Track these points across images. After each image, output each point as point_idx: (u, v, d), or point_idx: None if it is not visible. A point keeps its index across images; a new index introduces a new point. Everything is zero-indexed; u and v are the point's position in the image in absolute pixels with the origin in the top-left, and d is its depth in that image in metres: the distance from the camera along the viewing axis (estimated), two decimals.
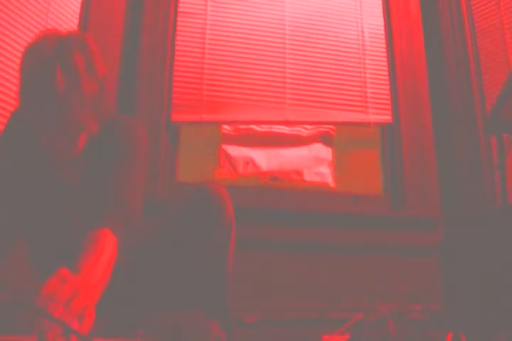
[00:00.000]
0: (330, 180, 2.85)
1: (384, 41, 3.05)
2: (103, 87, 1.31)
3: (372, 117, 2.90)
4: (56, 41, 1.26)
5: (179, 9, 2.88)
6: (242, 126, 2.86)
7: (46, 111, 1.23)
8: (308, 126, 2.92)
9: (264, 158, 2.82)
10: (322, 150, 2.90)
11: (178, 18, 2.86)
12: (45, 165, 1.41)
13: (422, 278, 2.57)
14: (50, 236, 1.44)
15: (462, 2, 3.04)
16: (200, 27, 2.86)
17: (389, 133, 2.94)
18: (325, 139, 2.93)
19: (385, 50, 3.04)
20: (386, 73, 3.00)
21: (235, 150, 2.81)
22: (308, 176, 2.82)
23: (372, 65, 3.00)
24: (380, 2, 3.13)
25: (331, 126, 2.95)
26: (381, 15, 3.09)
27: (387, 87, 2.98)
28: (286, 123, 2.84)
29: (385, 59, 3.02)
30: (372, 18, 3.08)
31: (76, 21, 2.59)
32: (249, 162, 2.79)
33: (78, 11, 2.61)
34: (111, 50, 2.64)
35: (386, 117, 2.92)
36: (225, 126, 2.85)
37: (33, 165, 1.41)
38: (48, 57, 1.22)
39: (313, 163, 2.86)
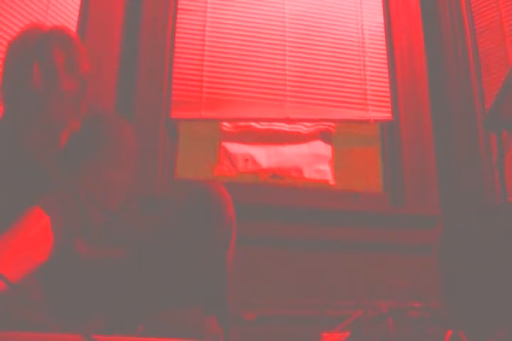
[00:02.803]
0: (329, 178, 2.85)
1: (384, 38, 3.05)
2: (85, 84, 1.29)
3: (372, 114, 2.90)
4: (37, 37, 1.25)
5: (179, 6, 2.87)
6: (242, 123, 2.85)
7: (24, 108, 1.22)
8: (308, 124, 2.91)
9: (264, 156, 2.82)
10: (322, 148, 2.90)
11: (178, 15, 2.86)
12: (28, 162, 1.39)
13: (421, 276, 2.57)
14: None
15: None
16: (200, 24, 2.86)
17: (389, 131, 2.94)
18: (325, 136, 2.93)
19: (384, 47, 3.03)
20: (386, 70, 3.00)
21: (234, 148, 2.81)
22: (308, 173, 2.82)
23: (372, 62, 3.00)
24: None
25: (331, 124, 2.95)
26: (381, 12, 3.09)
27: (387, 85, 2.98)
28: (286, 120, 2.84)
29: (385, 56, 3.02)
30: (372, 16, 3.08)
31: (75, 18, 2.59)
32: (248, 159, 2.79)
33: (78, 7, 2.61)
34: (110, 47, 2.63)
35: (386, 114, 2.92)
36: (225, 123, 2.85)
37: (15, 162, 1.40)
38: (27, 53, 1.21)
39: (312, 160, 2.86)
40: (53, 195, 1.19)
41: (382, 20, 3.08)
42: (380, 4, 3.11)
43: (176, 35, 2.82)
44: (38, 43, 1.23)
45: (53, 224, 1.11)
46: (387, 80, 2.98)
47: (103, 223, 1.27)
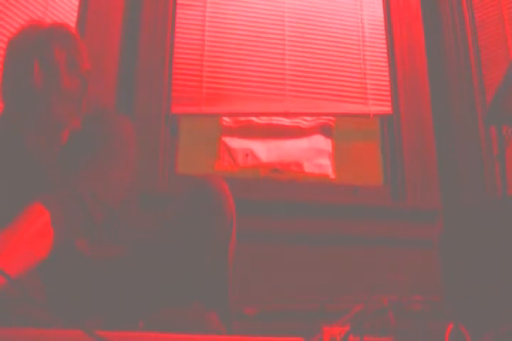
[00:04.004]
0: (330, 172, 2.85)
1: (384, 32, 3.04)
2: (86, 82, 1.29)
3: (372, 108, 2.90)
4: (37, 34, 1.24)
5: (178, 1, 2.87)
6: (242, 118, 2.85)
7: (25, 107, 1.22)
8: (308, 118, 2.91)
9: (264, 150, 2.82)
10: (322, 142, 2.90)
11: (178, 10, 2.85)
12: (29, 161, 1.39)
13: (422, 270, 2.57)
14: None
15: None
16: (200, 19, 2.86)
17: (389, 125, 2.94)
18: (325, 131, 2.93)
19: (384, 41, 3.03)
20: (386, 64, 2.99)
21: (234, 142, 2.81)
22: (308, 168, 2.82)
23: (372, 56, 2.99)
24: None
25: (331, 118, 2.95)
26: (381, 6, 3.08)
27: (387, 78, 2.97)
28: (286, 114, 2.84)
29: (385, 50, 3.01)
30: (372, 9, 3.07)
31: (75, 14, 2.58)
32: (249, 154, 2.79)
33: (77, 3, 2.61)
34: (110, 44, 2.63)
35: (386, 108, 2.92)
36: (225, 118, 2.85)
37: (16, 162, 1.40)
38: (27, 51, 1.21)
39: (313, 154, 2.86)
40: (54, 192, 1.19)
41: (382, 14, 3.08)
42: None
43: (176, 30, 2.82)
44: (38, 41, 1.22)
45: (53, 220, 1.11)
46: (387, 74, 2.98)
47: (105, 221, 1.27)
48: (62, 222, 1.14)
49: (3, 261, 0.99)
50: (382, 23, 3.06)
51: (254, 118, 2.86)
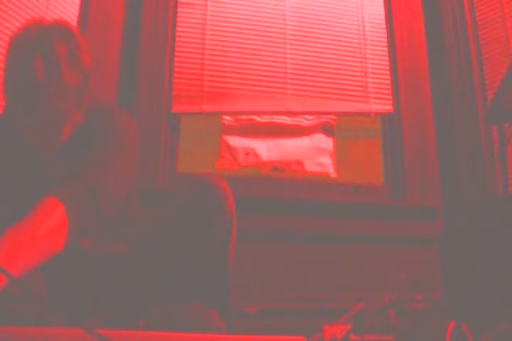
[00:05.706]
0: (331, 170, 2.85)
1: (385, 31, 3.04)
2: (87, 77, 1.30)
3: (373, 107, 2.90)
4: (38, 31, 1.25)
5: (179, 0, 2.87)
6: (243, 117, 2.85)
7: (26, 102, 1.22)
8: (309, 117, 2.91)
9: (265, 149, 2.82)
10: (323, 141, 2.90)
11: (178, 9, 2.85)
12: (29, 157, 1.40)
13: (422, 268, 2.58)
14: None
15: None
16: (201, 17, 2.86)
17: (390, 123, 2.94)
18: (326, 129, 2.93)
19: (385, 39, 3.03)
20: (387, 63, 2.99)
21: (235, 141, 2.81)
22: (309, 166, 2.83)
23: (373, 55, 2.99)
24: None
25: (332, 116, 2.95)
26: (382, 4, 3.08)
27: (388, 77, 2.97)
28: (287, 113, 2.84)
29: (386, 48, 3.01)
30: (373, 8, 3.07)
31: (76, 12, 2.59)
32: (250, 152, 2.79)
33: (78, 2, 2.61)
34: (111, 42, 2.63)
35: (387, 107, 2.92)
36: (226, 117, 2.85)
37: (17, 158, 1.40)
38: (28, 47, 1.22)
39: (314, 153, 2.86)
40: (66, 186, 1.20)
41: (383, 12, 3.08)
42: None
43: (177, 28, 2.82)
44: (38, 37, 1.23)
45: (68, 213, 1.12)
46: (388, 72, 2.98)
47: (114, 216, 1.28)
48: (76, 215, 1.15)
49: (23, 255, 1.01)
50: (383, 22, 3.06)
51: (255, 117, 2.86)
